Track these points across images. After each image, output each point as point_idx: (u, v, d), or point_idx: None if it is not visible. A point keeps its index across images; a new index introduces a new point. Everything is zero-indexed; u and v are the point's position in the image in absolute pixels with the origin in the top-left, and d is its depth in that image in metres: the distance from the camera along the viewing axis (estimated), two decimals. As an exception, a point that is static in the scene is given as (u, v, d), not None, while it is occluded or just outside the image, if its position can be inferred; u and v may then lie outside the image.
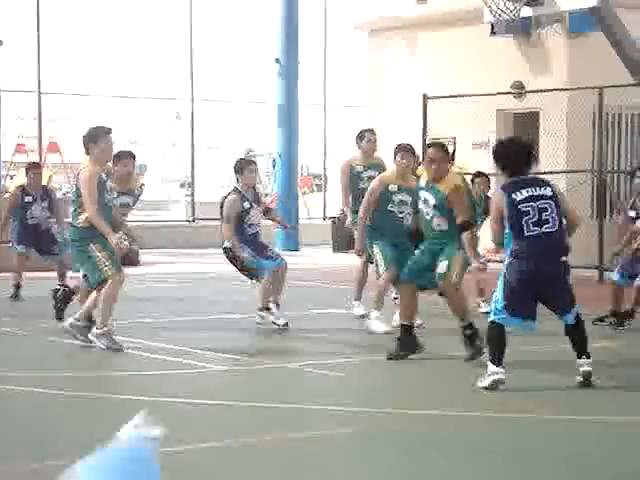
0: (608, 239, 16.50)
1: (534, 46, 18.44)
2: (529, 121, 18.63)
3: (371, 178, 11.34)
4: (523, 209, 7.80)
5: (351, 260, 12.72)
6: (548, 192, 7.92)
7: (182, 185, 42.67)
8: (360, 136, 12.00)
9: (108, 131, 9.49)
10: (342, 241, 21.43)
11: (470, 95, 18.16)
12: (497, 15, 12.60)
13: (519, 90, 18.59)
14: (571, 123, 17.90)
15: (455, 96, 18.25)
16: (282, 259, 10.89)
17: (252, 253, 10.67)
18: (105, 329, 9.33)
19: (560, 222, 7.90)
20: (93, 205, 9.26)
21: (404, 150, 10.72)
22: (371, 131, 12.21)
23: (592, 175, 17.25)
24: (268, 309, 10.61)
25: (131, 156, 11.05)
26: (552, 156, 17.87)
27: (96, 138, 9.41)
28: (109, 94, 30.51)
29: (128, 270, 17.55)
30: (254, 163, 11.43)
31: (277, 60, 22.01)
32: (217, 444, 6.28)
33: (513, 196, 7.85)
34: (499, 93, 18.30)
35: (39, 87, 21.75)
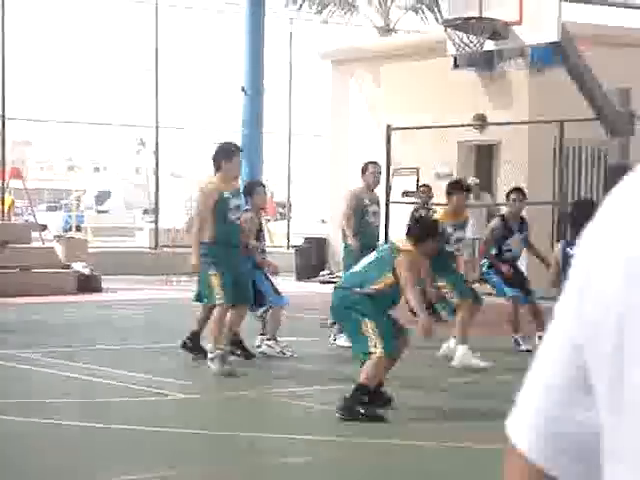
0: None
1: (496, 79, 18.68)
2: (490, 153, 18.83)
3: (375, 213, 11.31)
4: None
5: (315, 288, 12.75)
6: None
7: (145, 212, 42.64)
8: (364, 168, 11.82)
9: (239, 148, 9.63)
10: (305, 269, 21.49)
11: (433, 127, 18.34)
12: (460, 48, 12.72)
13: (481, 122, 18.81)
14: (532, 155, 18.11)
15: (418, 128, 18.42)
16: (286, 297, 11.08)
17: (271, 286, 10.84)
18: (217, 352, 9.35)
19: None
20: (199, 219, 9.31)
21: (459, 188, 10.85)
22: (374, 164, 11.98)
23: (553, 207, 17.45)
24: (275, 339, 10.65)
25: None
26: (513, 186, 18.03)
27: (230, 154, 9.49)
28: (73, 120, 30.47)
29: (90, 296, 17.70)
30: (262, 185, 11.50)
31: (243, 89, 22.10)
32: (168, 473, 6.28)
33: None
34: (461, 125, 18.50)
35: (3, 112, 21.68)
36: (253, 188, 10.95)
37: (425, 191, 14.93)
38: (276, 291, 10.82)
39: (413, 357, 9.35)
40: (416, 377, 9.50)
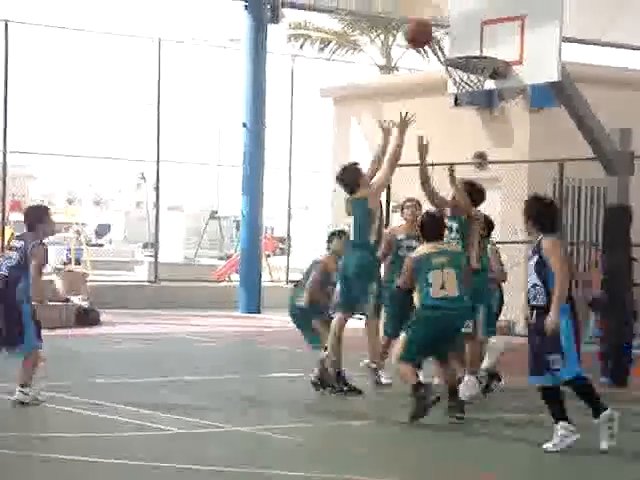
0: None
1: (496, 118, 18.77)
2: (490, 189, 18.86)
3: (410, 248, 11.35)
4: None
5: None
6: None
7: (145, 245, 42.67)
8: (402, 207, 12.51)
9: None
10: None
11: (433, 164, 18.38)
12: (460, 87, 12.78)
13: (481, 160, 18.86)
14: (532, 194, 18.13)
15: (418, 165, 18.46)
16: None
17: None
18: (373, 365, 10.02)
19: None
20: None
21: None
22: (410, 200, 12.67)
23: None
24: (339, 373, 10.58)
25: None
26: (512, 225, 18.08)
27: None
28: (73, 154, 30.57)
29: (89, 330, 17.66)
30: (344, 233, 11.52)
31: (244, 124, 22.20)
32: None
33: None
34: (461, 163, 18.55)
35: (5, 146, 21.74)
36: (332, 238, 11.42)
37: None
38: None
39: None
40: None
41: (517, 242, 17.73)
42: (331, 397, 10.08)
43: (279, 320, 19.96)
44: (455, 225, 10.79)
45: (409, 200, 12.43)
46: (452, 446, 8.53)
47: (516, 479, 7.57)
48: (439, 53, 28.69)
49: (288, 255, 26.94)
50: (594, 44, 24.10)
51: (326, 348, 10.47)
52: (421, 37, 9.67)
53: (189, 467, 7.32)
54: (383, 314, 11.18)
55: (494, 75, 12.40)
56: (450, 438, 8.83)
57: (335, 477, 7.24)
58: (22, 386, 9.48)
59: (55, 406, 9.54)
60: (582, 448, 8.25)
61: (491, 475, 7.42)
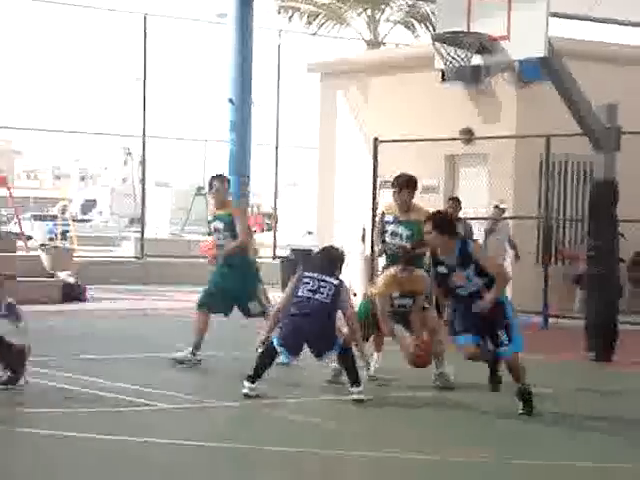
0: (553, 285, 16.71)
1: (484, 93, 18.74)
2: (477, 164, 18.87)
3: (395, 234, 10.68)
4: None
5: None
6: None
7: (131, 221, 42.58)
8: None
9: None
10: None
11: (420, 140, 18.38)
12: (448, 62, 12.75)
13: (468, 136, 18.86)
14: (519, 169, 18.17)
15: (405, 140, 18.47)
16: None
17: None
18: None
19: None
20: None
21: None
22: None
23: (538, 221, 17.50)
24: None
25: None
26: (499, 200, 18.09)
27: None
28: (59, 129, 30.44)
29: (75, 306, 17.63)
30: None
31: (230, 100, 22.12)
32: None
33: None
34: (449, 139, 18.55)
35: (-10, 120, 21.60)
36: None
37: (452, 206, 15.63)
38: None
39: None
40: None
41: (504, 218, 17.76)
42: (320, 372, 10.06)
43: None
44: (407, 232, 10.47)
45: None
46: (443, 418, 8.57)
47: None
48: (427, 28, 28.61)
49: (275, 232, 26.93)
50: (581, 19, 24.03)
51: None
52: (421, 361, 9.61)
53: (172, 442, 7.32)
54: None
55: (481, 50, 12.37)
56: (444, 410, 8.87)
57: (325, 452, 7.26)
58: None
59: (40, 381, 9.52)
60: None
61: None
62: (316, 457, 7.16)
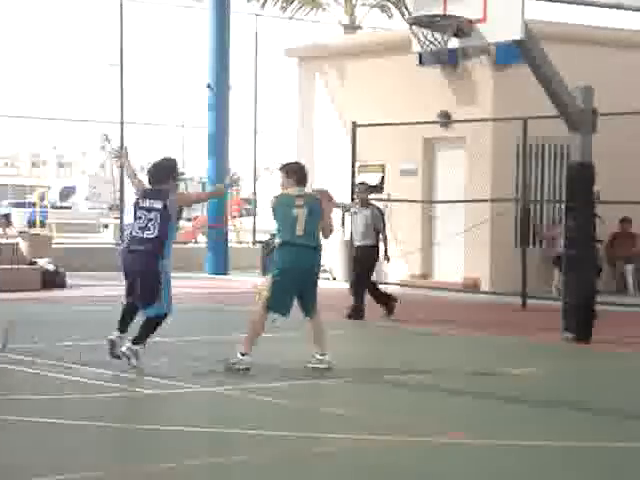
0: (531, 266, 16.82)
1: (461, 77, 18.79)
2: (455, 147, 18.94)
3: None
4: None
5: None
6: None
7: (110, 208, 42.46)
8: None
9: None
10: (268, 265, 21.49)
11: (398, 124, 18.43)
12: (425, 46, 12.78)
13: (445, 119, 18.92)
14: (496, 151, 18.25)
15: (384, 124, 18.52)
16: None
17: None
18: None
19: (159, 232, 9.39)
20: None
21: None
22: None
23: (516, 204, 17.58)
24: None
25: None
26: (477, 183, 18.19)
27: None
28: (38, 116, 30.31)
29: (55, 293, 17.62)
30: None
31: (208, 85, 22.10)
32: (133, 469, 6.30)
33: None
34: (426, 122, 18.60)
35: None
36: None
37: (362, 190, 15.24)
38: None
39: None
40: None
41: (480, 200, 17.85)
42: (306, 355, 10.10)
43: (246, 281, 20.02)
44: None
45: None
46: (423, 401, 8.64)
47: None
48: (404, 11, 28.59)
49: (254, 216, 26.94)
50: (558, 1, 24.06)
51: None
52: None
53: (156, 428, 7.37)
54: None
55: (458, 33, 12.41)
56: (424, 394, 8.94)
57: (309, 435, 7.31)
58: None
59: (24, 368, 9.54)
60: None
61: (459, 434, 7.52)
62: (297, 440, 7.22)
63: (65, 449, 6.76)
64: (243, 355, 9.55)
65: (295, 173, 9.97)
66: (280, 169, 10.06)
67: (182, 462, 6.41)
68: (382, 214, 14.79)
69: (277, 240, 9.94)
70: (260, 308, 9.70)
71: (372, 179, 19.72)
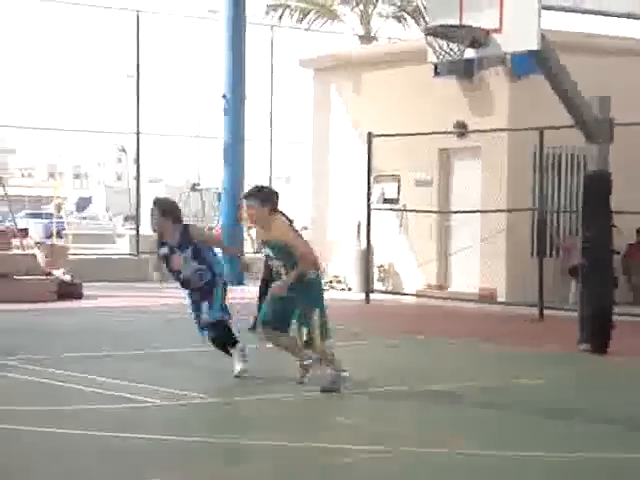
0: (547, 277, 16.75)
1: (477, 87, 18.76)
2: (471, 158, 18.90)
3: None
4: None
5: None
6: None
7: (126, 218, 42.60)
8: None
9: None
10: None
11: (414, 134, 18.41)
12: (441, 56, 12.76)
13: (461, 130, 18.89)
14: (512, 162, 18.20)
15: (399, 135, 18.50)
16: None
17: None
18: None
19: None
20: None
21: None
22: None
23: (532, 213, 17.53)
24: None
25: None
26: (493, 194, 18.14)
27: None
28: (54, 127, 30.42)
29: (71, 303, 17.65)
30: None
31: (224, 96, 22.13)
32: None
33: None
34: (442, 132, 18.58)
35: (-17, 119, 21.59)
36: None
37: None
38: None
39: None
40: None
41: (497, 210, 17.81)
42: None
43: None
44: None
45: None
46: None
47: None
48: (420, 22, 28.60)
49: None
50: (574, 11, 24.05)
51: None
52: None
53: (165, 438, 7.36)
54: None
55: (474, 44, 12.38)
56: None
57: (305, 445, 7.29)
58: None
59: (35, 378, 9.54)
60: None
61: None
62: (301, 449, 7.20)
63: (80, 462, 6.75)
64: (338, 372, 9.36)
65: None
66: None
67: (190, 472, 6.39)
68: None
69: (311, 275, 9.55)
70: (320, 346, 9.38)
71: (390, 190, 19.77)
